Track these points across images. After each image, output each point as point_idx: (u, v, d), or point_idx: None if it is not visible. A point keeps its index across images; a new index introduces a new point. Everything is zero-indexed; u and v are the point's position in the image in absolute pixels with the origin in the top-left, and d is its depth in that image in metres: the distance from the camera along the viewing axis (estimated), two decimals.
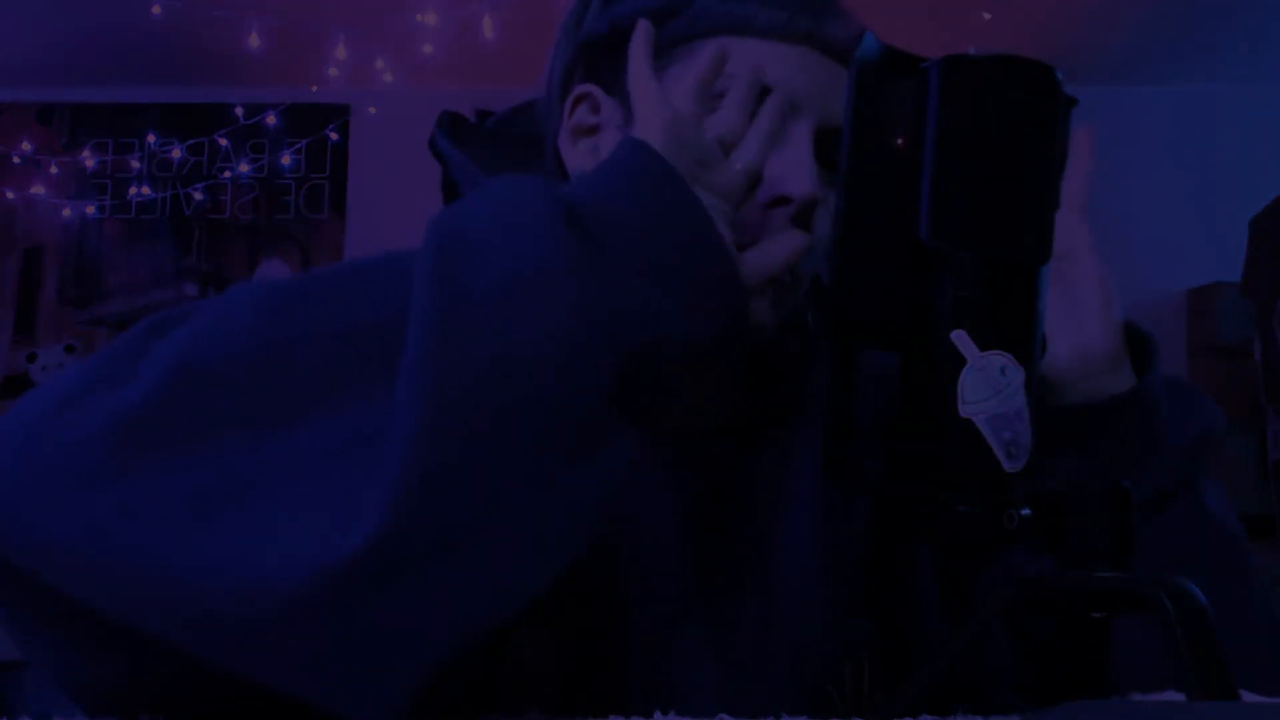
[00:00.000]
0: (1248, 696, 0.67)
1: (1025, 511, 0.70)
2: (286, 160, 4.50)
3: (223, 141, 4.50)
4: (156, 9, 3.71)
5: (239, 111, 4.43)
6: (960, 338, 0.71)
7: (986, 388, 0.70)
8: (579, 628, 0.91)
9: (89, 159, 4.51)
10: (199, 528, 0.60)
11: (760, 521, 0.97)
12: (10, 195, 4.48)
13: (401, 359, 0.63)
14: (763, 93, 0.87)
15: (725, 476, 0.97)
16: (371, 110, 4.36)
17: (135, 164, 4.53)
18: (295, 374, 0.64)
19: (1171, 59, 4.32)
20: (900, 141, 0.74)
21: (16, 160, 4.46)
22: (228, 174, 4.52)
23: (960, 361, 0.71)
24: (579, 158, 0.98)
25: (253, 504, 0.61)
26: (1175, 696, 0.68)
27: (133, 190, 4.51)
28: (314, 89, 4.25)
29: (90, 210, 4.50)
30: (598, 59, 0.97)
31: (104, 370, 0.65)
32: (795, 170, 0.88)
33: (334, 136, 4.47)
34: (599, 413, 0.67)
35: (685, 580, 0.94)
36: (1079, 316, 0.89)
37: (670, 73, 0.92)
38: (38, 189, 4.48)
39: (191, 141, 4.48)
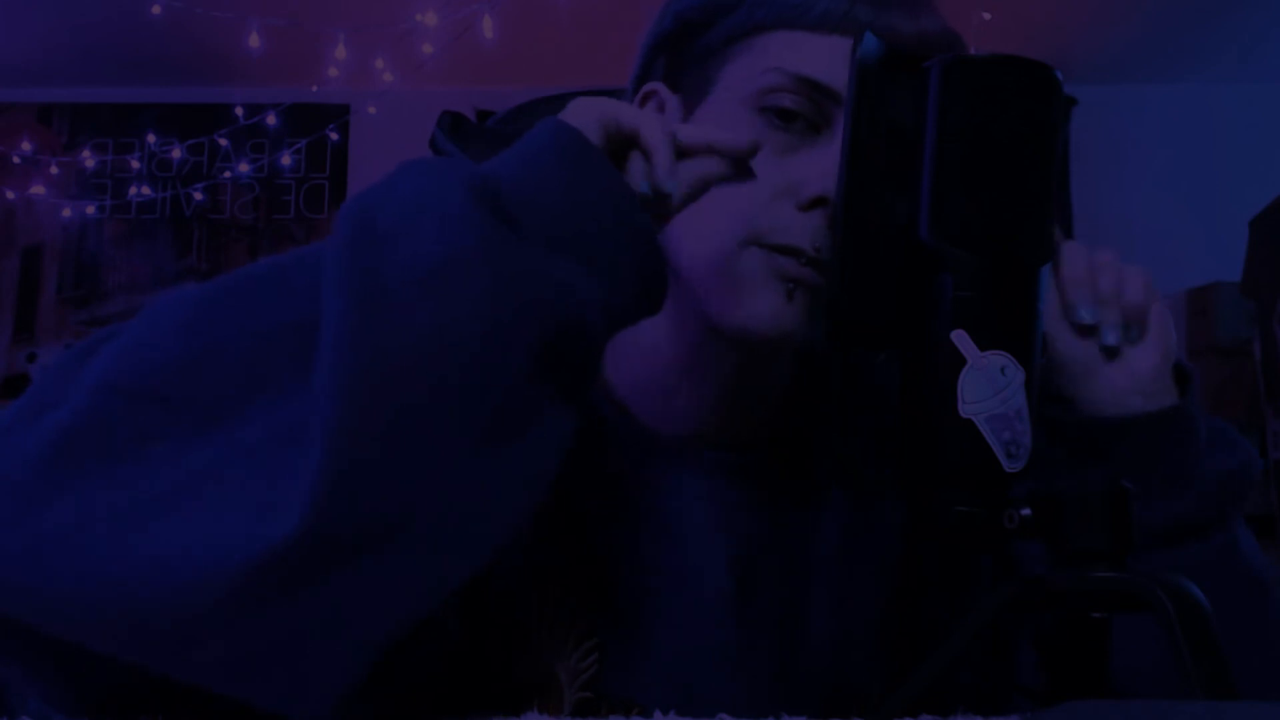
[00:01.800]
0: None
1: (1025, 511, 0.70)
2: (286, 160, 4.50)
3: (223, 141, 4.50)
4: (156, 9, 3.71)
5: (239, 111, 4.43)
6: (960, 337, 0.71)
7: (986, 388, 0.70)
8: (616, 634, 0.91)
9: (89, 159, 4.51)
10: (131, 536, 0.61)
11: (794, 533, 0.96)
12: (10, 195, 4.48)
13: (317, 352, 0.63)
14: (814, 88, 0.87)
15: (767, 487, 0.97)
16: (371, 110, 4.36)
17: (135, 164, 4.53)
18: (219, 379, 0.64)
19: (1171, 58, 4.32)
20: (901, 141, 0.74)
21: (16, 160, 4.46)
22: (228, 174, 4.52)
23: (960, 361, 0.71)
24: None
25: (183, 507, 0.61)
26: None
27: (133, 190, 4.51)
28: (314, 89, 4.25)
29: (90, 210, 4.50)
30: (665, 56, 0.96)
31: (39, 397, 0.66)
32: (835, 171, 0.87)
33: (334, 136, 4.47)
34: (522, 392, 0.67)
35: (717, 589, 0.94)
36: (1146, 344, 0.89)
37: (728, 69, 0.91)
38: (38, 189, 4.47)
39: (191, 141, 4.47)
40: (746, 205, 0.87)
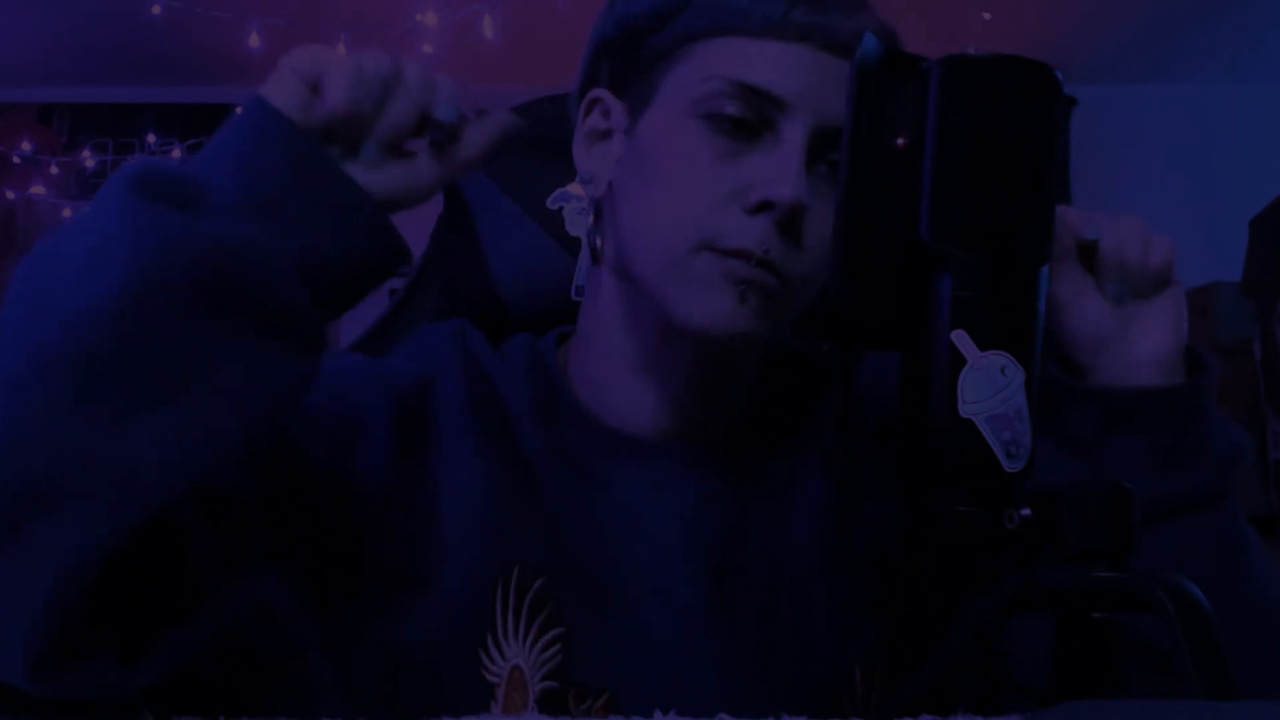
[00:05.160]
0: None
1: (1025, 511, 0.70)
2: None
3: None
4: (156, 9, 3.71)
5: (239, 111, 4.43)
6: (960, 338, 0.71)
7: (986, 388, 0.70)
8: (584, 625, 0.92)
9: (89, 159, 4.51)
10: None
11: (768, 524, 0.97)
12: (10, 195, 4.48)
13: None
14: (753, 94, 0.88)
15: (735, 479, 0.97)
16: None
17: None
18: None
19: (1171, 58, 4.32)
20: (901, 141, 0.74)
21: (16, 160, 4.46)
22: None
23: (960, 361, 0.71)
24: (592, 162, 0.97)
25: None
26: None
27: None
28: None
29: None
30: (609, 62, 0.97)
31: None
32: (781, 174, 0.87)
33: None
34: (178, 353, 0.72)
35: (692, 580, 0.94)
36: (1155, 318, 0.93)
37: (670, 76, 0.92)
38: (38, 189, 4.47)
39: (191, 141, 4.47)
40: (695, 211, 0.89)
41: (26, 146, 4.48)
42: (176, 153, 4.47)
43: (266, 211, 0.77)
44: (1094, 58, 4.19)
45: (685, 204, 0.89)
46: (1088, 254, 0.92)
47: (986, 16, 3.76)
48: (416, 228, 0.95)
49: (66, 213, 4.48)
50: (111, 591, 0.72)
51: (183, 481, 0.73)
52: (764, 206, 0.87)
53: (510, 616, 0.91)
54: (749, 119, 0.88)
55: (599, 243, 0.97)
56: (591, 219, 0.98)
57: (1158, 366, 0.91)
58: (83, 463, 0.69)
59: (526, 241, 1.07)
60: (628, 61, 0.94)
